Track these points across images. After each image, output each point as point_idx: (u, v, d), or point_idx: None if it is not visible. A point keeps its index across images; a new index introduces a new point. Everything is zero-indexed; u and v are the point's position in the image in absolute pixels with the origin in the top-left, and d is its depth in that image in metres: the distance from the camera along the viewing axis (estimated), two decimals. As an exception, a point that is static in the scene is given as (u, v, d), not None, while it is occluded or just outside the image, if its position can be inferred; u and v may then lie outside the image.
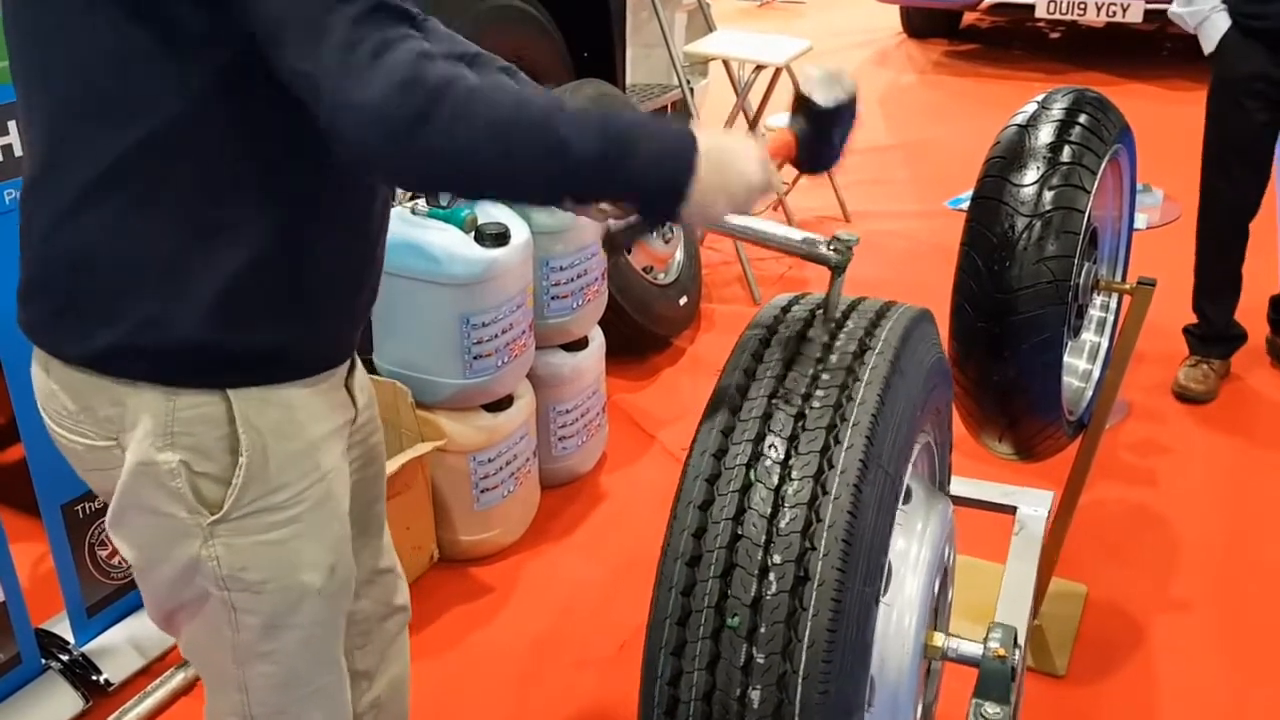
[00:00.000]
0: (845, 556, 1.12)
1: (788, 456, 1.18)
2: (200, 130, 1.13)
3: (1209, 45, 3.18)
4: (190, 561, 1.27)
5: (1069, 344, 2.23)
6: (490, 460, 2.66)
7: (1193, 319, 3.51)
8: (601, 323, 3.13)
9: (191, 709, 2.31)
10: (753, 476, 1.18)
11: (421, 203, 2.56)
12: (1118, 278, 2.43)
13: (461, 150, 1.07)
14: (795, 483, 1.17)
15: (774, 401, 1.23)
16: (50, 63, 1.14)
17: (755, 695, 1.12)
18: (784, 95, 4.71)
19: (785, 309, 1.40)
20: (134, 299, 1.17)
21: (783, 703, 1.12)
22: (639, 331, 3.60)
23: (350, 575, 1.41)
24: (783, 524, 1.15)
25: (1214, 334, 3.47)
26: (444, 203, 2.52)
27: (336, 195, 1.25)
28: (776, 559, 1.14)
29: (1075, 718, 2.26)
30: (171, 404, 1.21)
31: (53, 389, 1.25)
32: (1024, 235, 1.99)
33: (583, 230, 2.85)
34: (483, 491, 2.67)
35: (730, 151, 1.18)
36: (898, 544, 1.37)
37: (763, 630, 1.12)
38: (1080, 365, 2.42)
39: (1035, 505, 1.85)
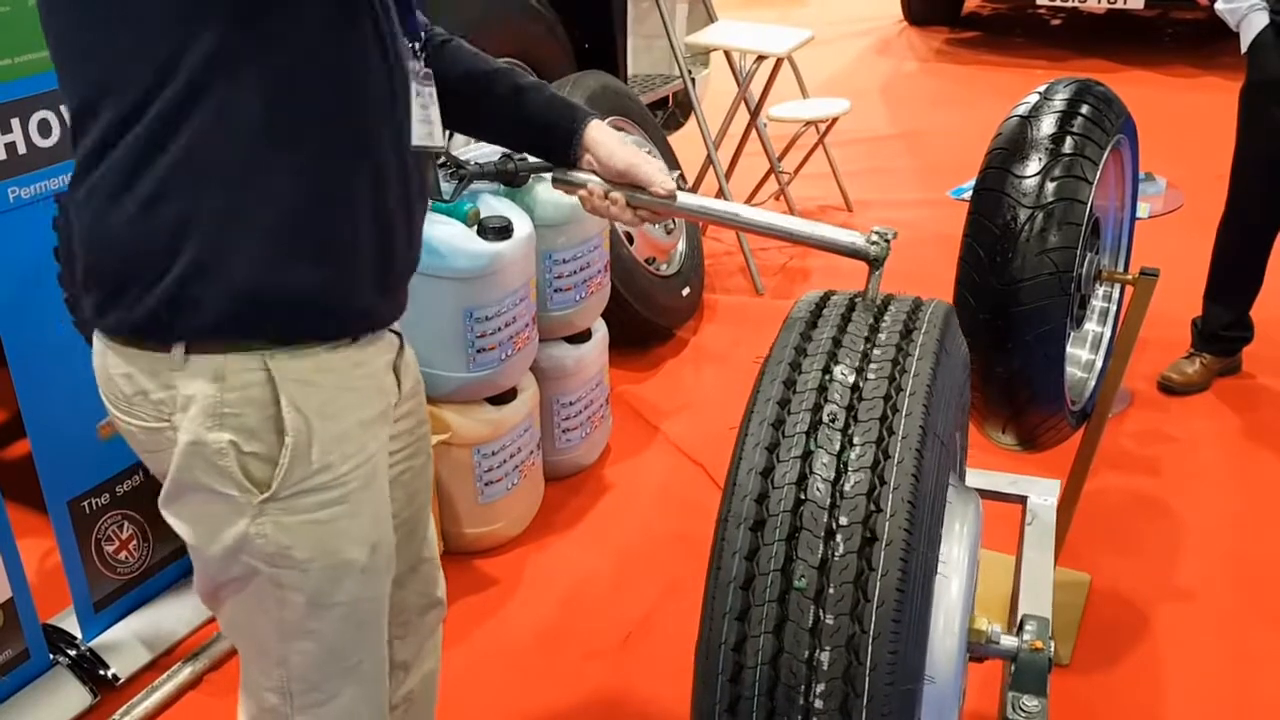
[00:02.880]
0: (911, 517, 1.12)
1: (847, 425, 1.19)
2: (224, 89, 1.17)
3: (1245, 43, 3.11)
4: (240, 539, 1.30)
5: (1071, 334, 2.23)
6: (494, 453, 2.66)
7: (1200, 309, 3.49)
8: (604, 314, 3.13)
9: (199, 703, 2.32)
10: (813, 444, 1.19)
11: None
12: (1120, 268, 2.43)
13: None
14: (857, 448, 1.17)
15: (827, 375, 1.24)
16: (90, 42, 1.19)
17: (824, 657, 1.12)
18: (785, 85, 4.72)
19: (822, 301, 1.39)
20: (167, 259, 1.21)
21: (852, 664, 1.13)
22: (642, 323, 3.61)
23: (391, 554, 1.44)
24: (847, 487, 1.15)
25: (1214, 332, 3.46)
26: (447, 197, 2.52)
27: (358, 146, 1.28)
28: (843, 520, 1.14)
29: (1079, 707, 2.26)
30: (220, 385, 1.24)
31: (110, 374, 1.30)
32: (1026, 226, 1.99)
33: (585, 223, 2.85)
34: (487, 484, 2.68)
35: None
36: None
37: (831, 591, 1.12)
38: (1083, 355, 2.42)
39: (1044, 494, 1.86)
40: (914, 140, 6.04)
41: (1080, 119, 2.05)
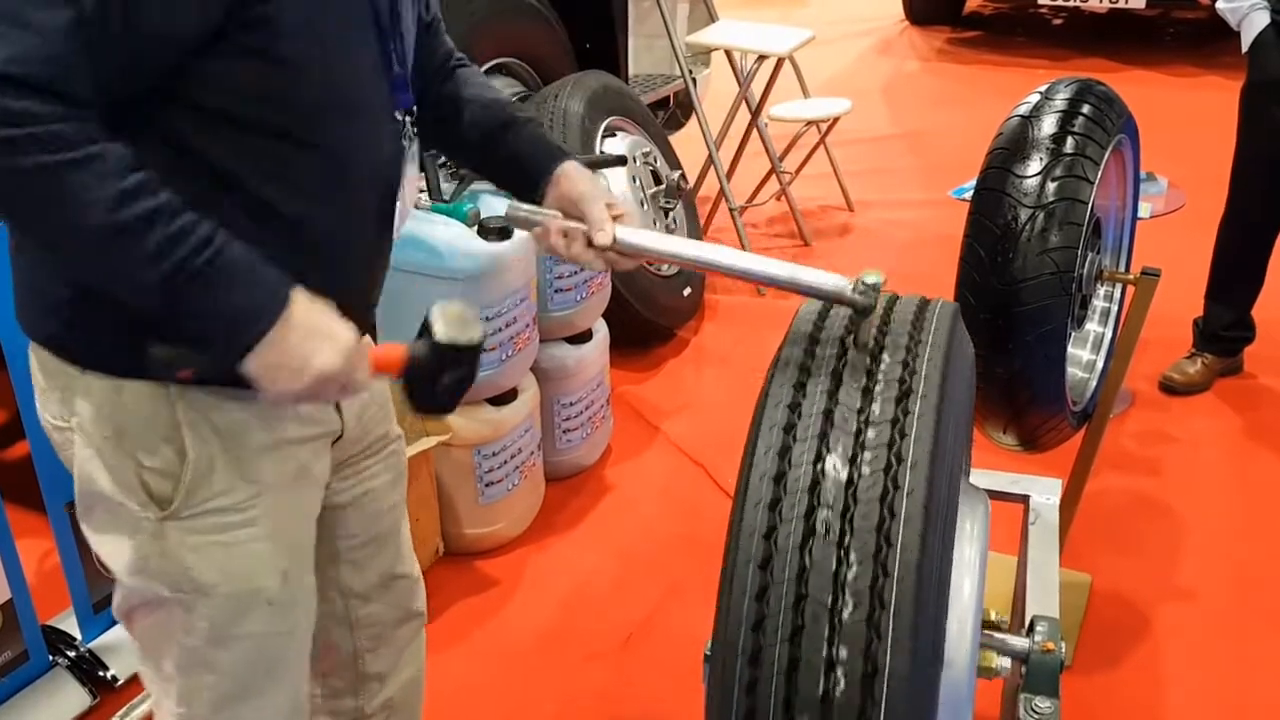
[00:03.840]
0: (925, 523, 1.12)
1: (859, 431, 1.18)
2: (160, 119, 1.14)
3: (1246, 43, 3.10)
4: (141, 557, 1.27)
5: (1073, 335, 2.23)
6: (495, 454, 2.66)
7: (1201, 309, 3.49)
8: (605, 314, 3.13)
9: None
10: (825, 448, 1.19)
11: (425, 197, 2.56)
12: (1121, 268, 2.43)
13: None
14: (870, 452, 1.17)
15: (840, 364, 1.23)
16: None
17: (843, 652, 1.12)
18: (786, 85, 4.71)
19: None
20: (67, 286, 1.20)
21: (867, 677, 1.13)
22: (643, 323, 3.60)
23: (310, 588, 1.39)
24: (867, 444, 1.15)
25: (1215, 332, 3.45)
26: (447, 197, 2.52)
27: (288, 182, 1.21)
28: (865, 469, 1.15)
29: (1081, 708, 2.26)
30: (117, 401, 1.22)
31: (33, 367, 1.30)
32: (1027, 226, 1.99)
33: (585, 223, 2.85)
34: (487, 485, 2.68)
35: (318, 334, 1.15)
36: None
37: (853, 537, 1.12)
38: (1084, 356, 2.42)
39: (1046, 494, 1.86)
40: (915, 140, 6.03)
41: (1081, 119, 2.05)
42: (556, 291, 2.85)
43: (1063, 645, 1.43)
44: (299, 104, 1.16)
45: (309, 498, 1.37)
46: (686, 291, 3.83)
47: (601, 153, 3.41)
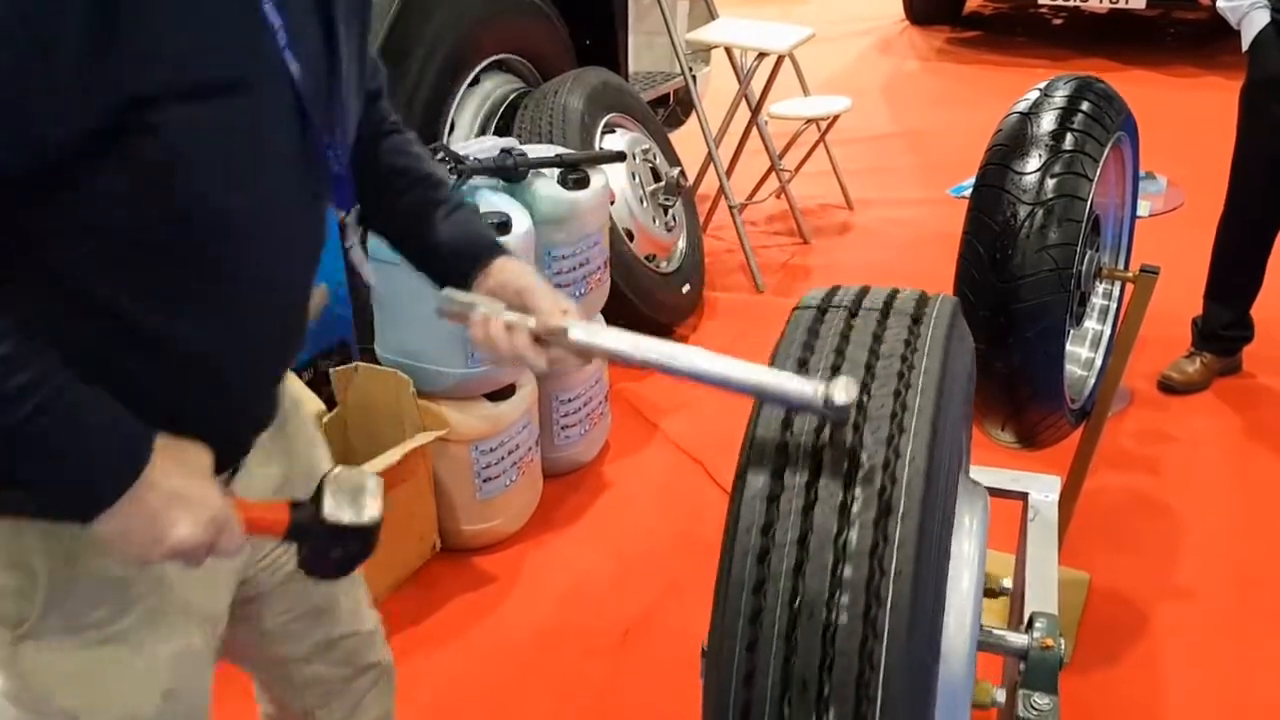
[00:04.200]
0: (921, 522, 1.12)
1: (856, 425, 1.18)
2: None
3: (1246, 42, 3.09)
4: (7, 684, 1.15)
5: (1071, 332, 2.23)
6: (492, 449, 2.66)
7: (1200, 308, 3.49)
8: (605, 310, 3.13)
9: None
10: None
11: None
12: (1120, 266, 2.42)
13: None
14: (867, 448, 1.17)
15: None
16: None
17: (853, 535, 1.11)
18: (786, 83, 4.71)
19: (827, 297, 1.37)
20: None
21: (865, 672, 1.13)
22: (642, 319, 3.60)
23: (205, 699, 1.25)
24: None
25: (1214, 331, 3.45)
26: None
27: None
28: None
29: (1079, 706, 2.25)
30: None
31: None
32: (1026, 223, 1.99)
33: (585, 219, 2.85)
34: (485, 481, 2.67)
35: (179, 501, 1.01)
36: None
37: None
38: (1083, 354, 2.42)
39: (1046, 490, 1.85)
40: (915, 139, 6.03)
41: (1081, 116, 2.05)
42: (556, 287, 2.83)
43: (1062, 642, 1.42)
44: (181, 213, 0.99)
45: (200, 597, 1.22)
46: (686, 288, 3.83)
47: (601, 149, 3.41)
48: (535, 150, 2.85)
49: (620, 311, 3.37)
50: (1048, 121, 2.04)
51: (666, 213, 3.77)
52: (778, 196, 4.75)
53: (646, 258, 3.63)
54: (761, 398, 1.16)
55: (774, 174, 4.72)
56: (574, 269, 2.87)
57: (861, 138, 5.84)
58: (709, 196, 4.58)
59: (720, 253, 4.50)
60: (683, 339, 3.83)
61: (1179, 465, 3.09)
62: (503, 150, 2.73)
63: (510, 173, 2.71)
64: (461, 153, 2.63)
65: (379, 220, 1.37)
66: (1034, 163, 2.01)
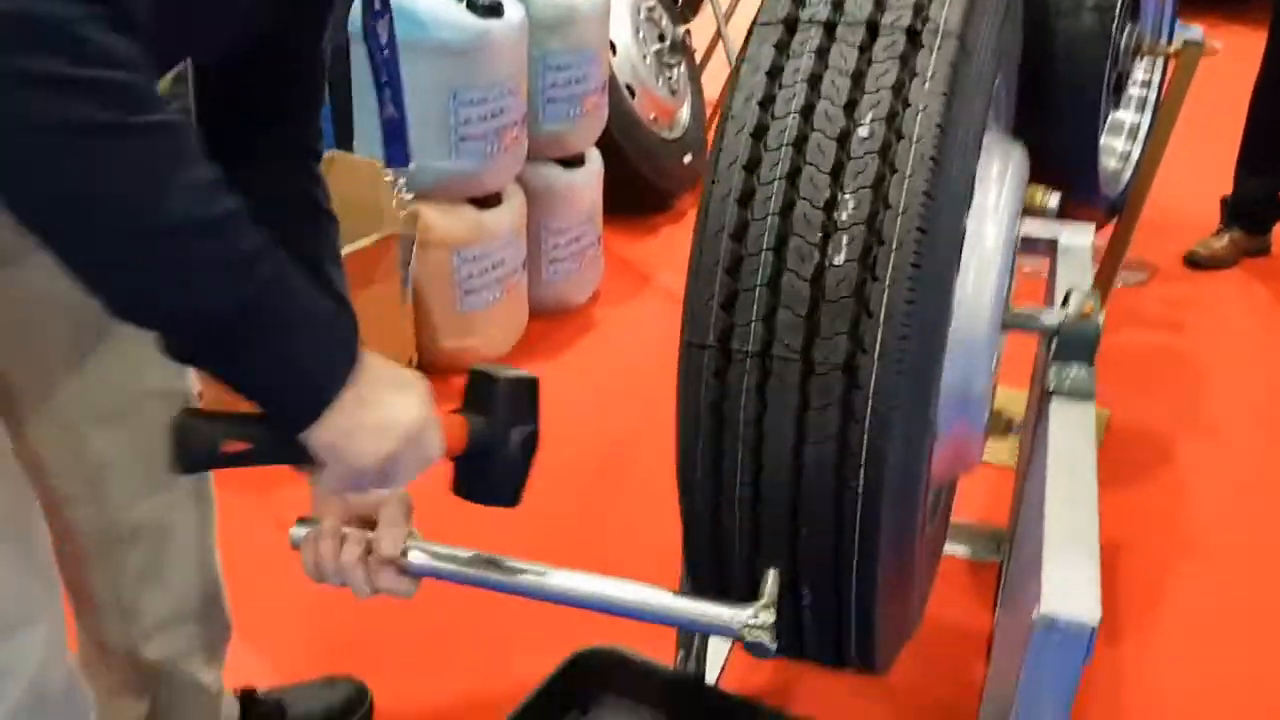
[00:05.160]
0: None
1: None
2: None
3: None
4: None
5: (1109, 118, 2.06)
6: (475, 259, 2.48)
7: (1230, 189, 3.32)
8: (605, 172, 2.96)
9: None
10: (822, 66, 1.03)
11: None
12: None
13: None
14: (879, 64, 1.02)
15: None
16: None
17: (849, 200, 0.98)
18: None
19: None
20: None
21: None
22: (640, 181, 3.42)
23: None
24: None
25: (1244, 205, 3.28)
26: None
27: None
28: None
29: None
30: None
31: None
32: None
33: (583, 27, 2.68)
34: (466, 293, 2.50)
35: (398, 383, 0.93)
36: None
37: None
38: (1119, 146, 2.25)
39: (1078, 235, 1.67)
40: None
41: None
42: (549, 102, 2.67)
43: (1102, 314, 1.25)
44: None
45: None
46: (687, 159, 3.65)
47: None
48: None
49: (618, 169, 3.18)
50: None
51: (671, 76, 3.59)
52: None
53: (649, 119, 3.46)
54: (671, 624, 1.07)
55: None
56: (570, 84, 2.69)
57: None
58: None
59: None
60: (681, 214, 3.65)
61: (1204, 326, 2.94)
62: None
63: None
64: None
65: None
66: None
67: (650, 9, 3.54)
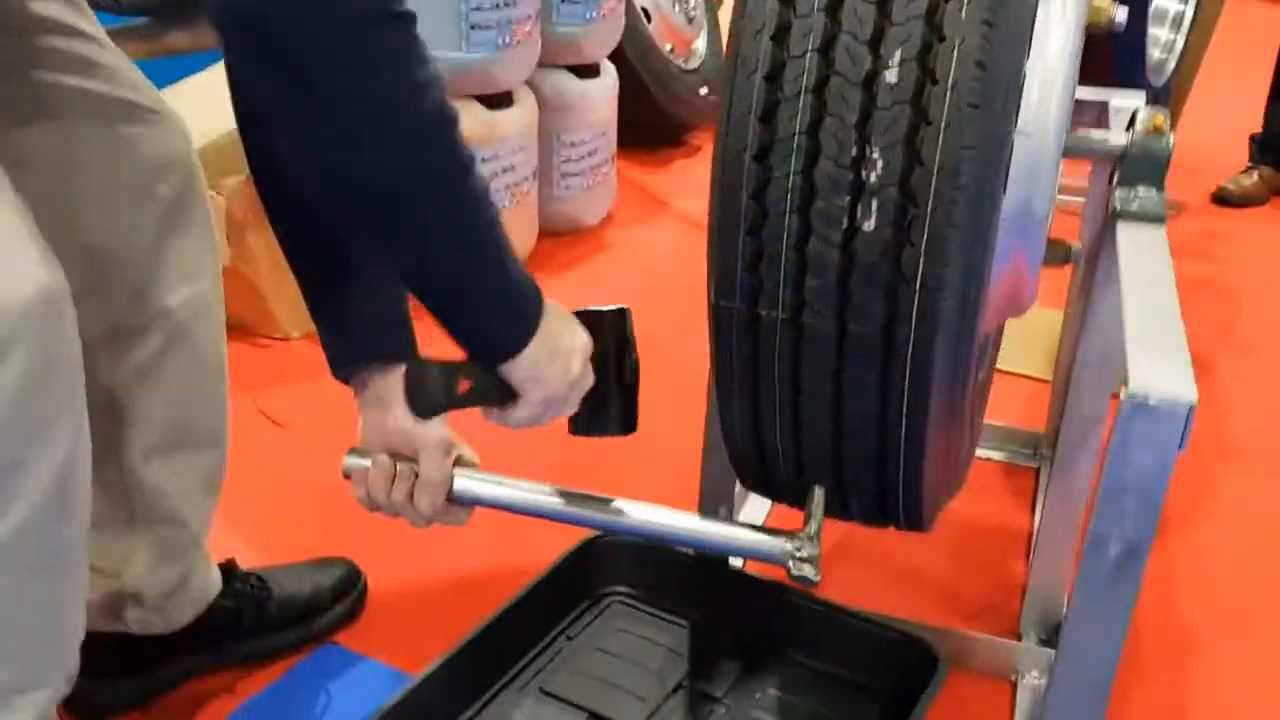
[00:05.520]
0: None
1: None
2: None
3: None
4: None
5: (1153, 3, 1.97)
6: (484, 160, 2.38)
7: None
8: (619, 99, 2.85)
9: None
10: None
11: None
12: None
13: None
14: None
15: None
16: None
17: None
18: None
19: None
20: None
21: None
22: (655, 108, 3.31)
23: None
24: None
25: (1274, 142, 3.18)
26: None
27: None
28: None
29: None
30: None
31: None
32: None
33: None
34: (475, 196, 2.40)
35: (566, 316, 1.00)
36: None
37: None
38: (1163, 35, 2.15)
39: (1130, 99, 1.58)
40: None
41: None
42: (564, 1, 2.57)
43: (1171, 137, 1.15)
44: None
45: None
46: (704, 91, 3.55)
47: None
48: None
49: (632, 94, 3.07)
50: None
51: (689, 3, 3.49)
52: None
53: (665, 47, 3.36)
54: (715, 550, 1.12)
55: None
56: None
57: None
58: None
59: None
60: (696, 149, 3.56)
61: (1235, 257, 2.83)
62: None
63: None
64: None
65: (291, 250, 1.07)
66: None
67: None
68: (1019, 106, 1.08)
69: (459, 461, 1.06)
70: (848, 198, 1.00)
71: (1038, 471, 1.85)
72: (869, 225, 1.00)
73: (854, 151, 1.00)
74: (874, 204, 1.00)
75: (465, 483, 1.05)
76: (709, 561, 1.42)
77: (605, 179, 2.85)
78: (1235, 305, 2.55)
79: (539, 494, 1.07)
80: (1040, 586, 1.44)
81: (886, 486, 1.13)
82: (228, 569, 1.36)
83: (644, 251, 2.78)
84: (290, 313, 2.17)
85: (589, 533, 1.42)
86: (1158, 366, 0.83)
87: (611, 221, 2.92)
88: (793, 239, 1.02)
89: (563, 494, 1.07)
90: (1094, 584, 0.85)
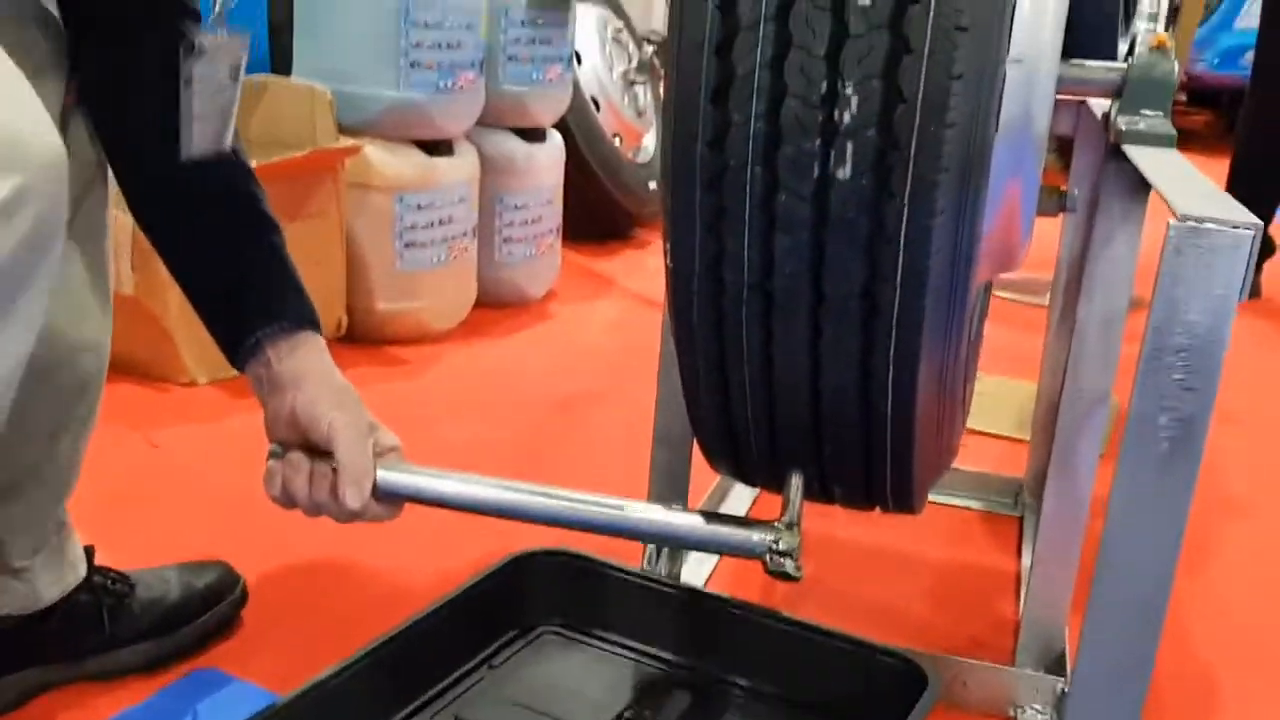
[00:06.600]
0: None
1: None
2: None
3: None
4: None
5: None
6: (420, 208, 2.24)
7: None
8: (564, 188, 2.77)
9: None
10: None
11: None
12: None
13: None
14: None
15: None
16: None
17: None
18: None
19: None
20: None
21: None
22: (602, 195, 3.21)
23: None
24: None
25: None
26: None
27: None
28: None
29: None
30: None
31: None
32: None
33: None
34: (408, 246, 2.24)
35: None
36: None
37: None
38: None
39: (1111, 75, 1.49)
40: None
41: None
42: (510, 59, 2.47)
43: (1177, 65, 1.03)
44: None
45: None
46: (652, 185, 3.46)
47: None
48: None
49: (579, 181, 2.98)
50: None
51: (638, 97, 3.44)
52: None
53: (612, 135, 3.29)
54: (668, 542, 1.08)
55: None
56: (532, 42, 2.51)
57: None
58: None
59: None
60: (644, 243, 3.45)
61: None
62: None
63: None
64: None
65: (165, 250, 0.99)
66: None
67: (618, 30, 3.41)
68: (1011, 29, 0.96)
69: (377, 446, 0.95)
70: (818, 142, 0.86)
71: (1020, 520, 1.69)
72: (844, 173, 0.86)
73: (824, 87, 0.86)
74: (849, 148, 0.86)
75: (392, 475, 0.94)
76: (659, 583, 1.24)
77: (550, 250, 2.72)
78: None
79: (475, 485, 0.96)
80: (1038, 605, 1.25)
81: (872, 465, 0.98)
82: (86, 554, 1.15)
83: (589, 321, 2.64)
84: (198, 355, 1.97)
85: (529, 541, 1.22)
86: (1209, 200, 0.68)
87: (554, 296, 2.78)
88: (757, 193, 0.87)
89: (503, 486, 0.96)
90: (1140, 476, 0.68)
